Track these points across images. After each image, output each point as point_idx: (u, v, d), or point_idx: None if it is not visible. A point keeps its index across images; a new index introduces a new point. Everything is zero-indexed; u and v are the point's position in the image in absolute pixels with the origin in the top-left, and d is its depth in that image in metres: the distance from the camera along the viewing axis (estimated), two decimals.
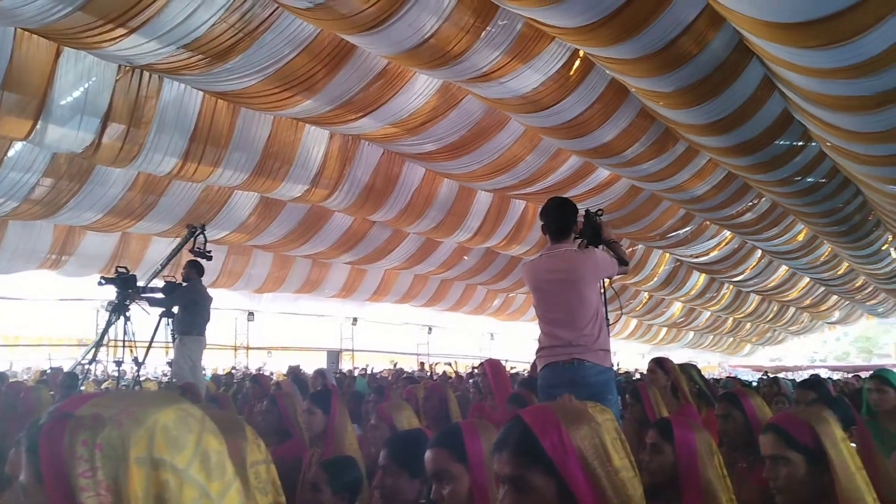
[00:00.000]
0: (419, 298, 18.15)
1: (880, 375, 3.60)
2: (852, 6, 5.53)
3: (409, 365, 19.14)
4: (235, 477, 0.84)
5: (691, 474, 2.08)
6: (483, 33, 7.55)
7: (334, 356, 18.36)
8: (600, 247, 3.57)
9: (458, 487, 1.74)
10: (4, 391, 4.15)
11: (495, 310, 20.60)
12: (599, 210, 3.71)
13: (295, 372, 8.35)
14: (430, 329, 20.91)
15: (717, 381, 10.09)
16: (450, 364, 17.15)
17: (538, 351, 3.44)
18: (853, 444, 2.04)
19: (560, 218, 3.44)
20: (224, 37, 7.21)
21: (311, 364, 12.38)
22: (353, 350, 19.31)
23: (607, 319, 3.46)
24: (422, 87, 9.11)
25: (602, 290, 3.49)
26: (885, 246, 16.95)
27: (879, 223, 14.85)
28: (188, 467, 0.79)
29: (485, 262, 16.58)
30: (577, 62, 8.63)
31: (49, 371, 10.41)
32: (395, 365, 18.07)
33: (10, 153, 8.97)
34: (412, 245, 14.75)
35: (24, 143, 8.55)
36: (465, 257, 16.10)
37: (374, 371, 15.52)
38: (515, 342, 21.35)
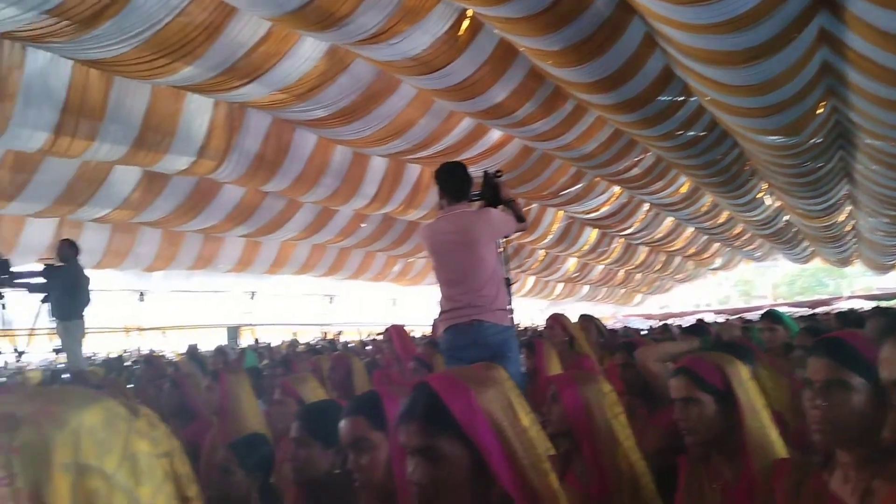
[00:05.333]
0: (318, 268, 17.87)
1: (771, 315, 3.85)
2: None
3: (313, 336, 18.89)
4: (166, 481, 0.77)
5: (580, 423, 2.15)
6: None
7: (234, 332, 17.87)
8: (499, 207, 3.59)
9: (377, 456, 1.71)
10: None
11: (396, 276, 20.59)
12: (498, 171, 3.74)
13: (192, 351, 8.05)
14: (331, 298, 20.66)
15: (614, 331, 10.51)
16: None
17: (440, 314, 3.46)
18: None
19: (455, 180, 3.45)
20: (89, 1, 6.69)
21: (212, 342, 11.98)
22: (252, 325, 18.86)
23: (508, 279, 3.51)
24: (308, 50, 8.82)
25: (500, 250, 3.52)
26: (760, 194, 18.07)
27: (755, 173, 15.78)
28: (116, 472, 0.71)
29: (383, 229, 16.48)
30: (466, 22, 8.60)
31: None
32: (294, 334, 17.79)
33: None
34: (308, 214, 14.43)
35: None
36: (363, 224, 15.93)
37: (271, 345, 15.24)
38: (418, 307, 21.48)
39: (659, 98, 10.46)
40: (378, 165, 13.23)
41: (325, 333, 17.97)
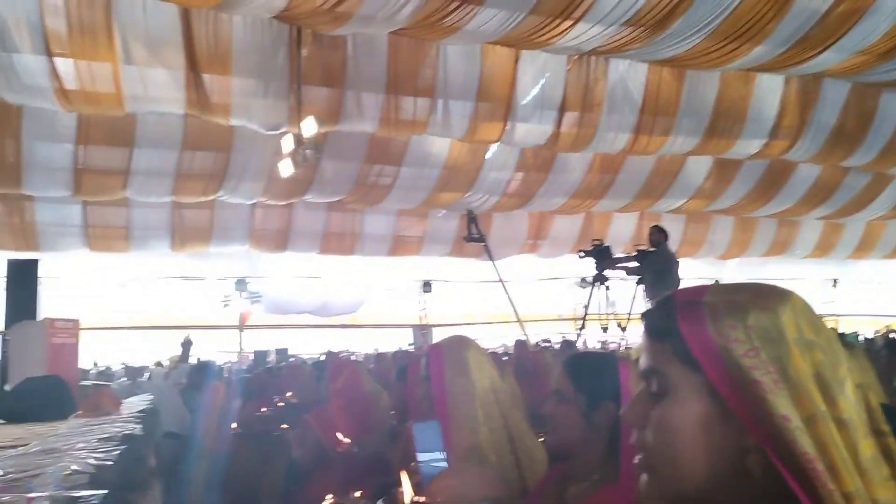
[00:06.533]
0: None
1: None
2: None
3: None
4: (849, 370, 0.81)
5: None
6: None
7: None
8: None
9: None
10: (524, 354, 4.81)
11: None
12: None
13: None
14: None
15: None
16: None
17: None
18: None
19: None
20: (661, 4, 7.13)
21: None
22: (836, 315, 17.34)
23: None
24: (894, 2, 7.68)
25: None
26: None
27: None
28: (828, 348, 0.79)
29: None
30: None
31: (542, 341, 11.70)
32: (886, 327, 15.68)
33: (488, 155, 10.36)
34: None
35: (498, 143, 9.77)
36: None
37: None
38: None
39: None
40: None
41: None
